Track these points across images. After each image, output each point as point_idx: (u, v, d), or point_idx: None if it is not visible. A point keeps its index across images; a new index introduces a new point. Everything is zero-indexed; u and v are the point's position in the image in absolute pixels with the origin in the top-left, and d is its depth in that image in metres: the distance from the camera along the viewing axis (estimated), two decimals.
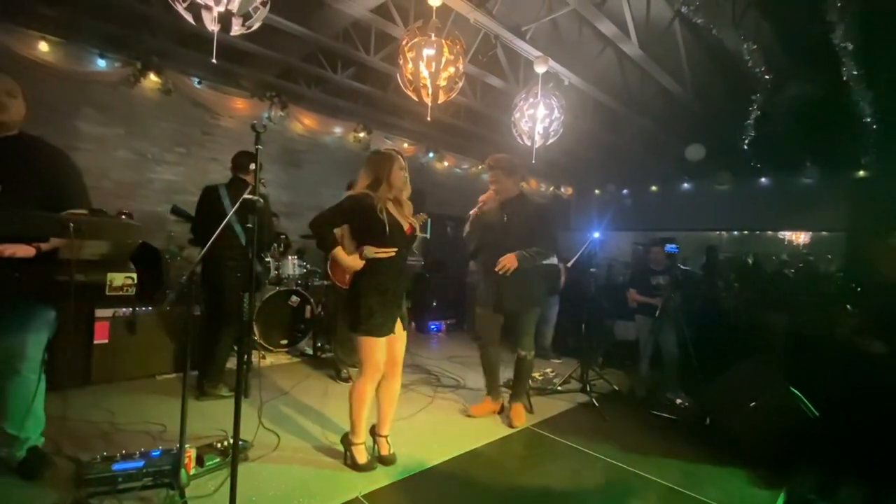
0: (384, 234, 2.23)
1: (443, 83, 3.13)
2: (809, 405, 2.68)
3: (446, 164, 8.10)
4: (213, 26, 2.33)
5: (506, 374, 3.35)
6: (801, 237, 8.76)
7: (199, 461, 2.13)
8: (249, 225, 1.75)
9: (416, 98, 3.20)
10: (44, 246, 1.84)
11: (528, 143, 4.09)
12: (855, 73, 4.69)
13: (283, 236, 4.75)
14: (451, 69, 3.12)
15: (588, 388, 3.67)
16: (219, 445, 2.26)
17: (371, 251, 2.23)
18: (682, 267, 4.44)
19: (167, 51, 4.67)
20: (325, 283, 4.37)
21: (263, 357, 4.10)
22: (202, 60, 4.64)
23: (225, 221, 1.95)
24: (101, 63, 4.54)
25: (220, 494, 1.98)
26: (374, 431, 2.46)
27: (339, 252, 2.25)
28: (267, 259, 4.21)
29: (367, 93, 5.76)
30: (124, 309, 3.33)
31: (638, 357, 4.14)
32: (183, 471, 1.89)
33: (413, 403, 3.30)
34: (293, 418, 2.93)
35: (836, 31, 4.08)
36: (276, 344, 4.35)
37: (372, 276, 2.26)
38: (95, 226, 1.77)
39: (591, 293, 4.44)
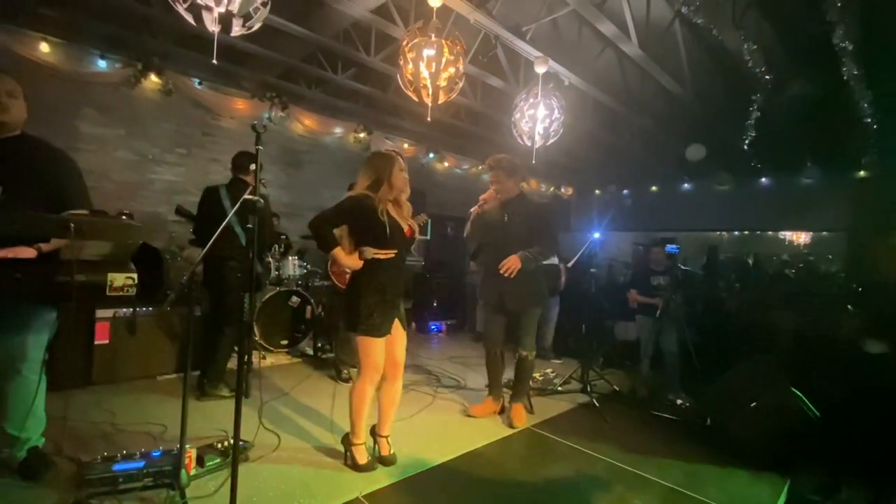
0: (385, 236, 2.23)
1: (443, 84, 3.13)
2: (810, 405, 2.67)
3: (447, 164, 8.11)
4: (213, 27, 2.33)
5: (506, 374, 3.34)
6: (801, 237, 8.75)
7: (200, 461, 2.13)
8: (250, 225, 1.75)
9: (416, 98, 3.21)
10: (44, 247, 1.84)
11: (529, 144, 4.10)
12: (855, 72, 4.69)
13: (283, 237, 4.75)
14: (452, 70, 3.12)
15: (588, 389, 3.67)
16: (219, 446, 2.26)
17: (370, 252, 2.23)
18: (682, 267, 4.44)
19: (168, 52, 4.68)
20: (326, 283, 4.37)
21: (264, 357, 4.10)
22: (203, 61, 4.65)
23: (225, 222, 1.95)
24: (102, 64, 4.55)
25: (220, 495, 1.98)
26: (374, 432, 2.46)
27: (338, 252, 2.24)
28: (267, 259, 4.21)
29: (367, 93, 5.76)
30: (125, 309, 3.34)
31: (638, 357, 4.14)
32: (183, 471, 1.89)
33: (413, 404, 3.30)
34: (293, 419, 2.93)
35: (837, 32, 4.08)
36: (276, 344, 4.35)
37: (371, 276, 2.25)
38: (96, 226, 1.77)
39: (591, 294, 4.43)
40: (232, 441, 1.77)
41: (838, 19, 3.94)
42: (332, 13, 4.02)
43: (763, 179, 8.51)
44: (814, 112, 5.92)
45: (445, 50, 3.04)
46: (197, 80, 5.13)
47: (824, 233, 8.36)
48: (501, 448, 2.78)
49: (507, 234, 2.99)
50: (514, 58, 4.90)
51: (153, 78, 4.80)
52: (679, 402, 3.66)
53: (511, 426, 3.03)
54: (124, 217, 3.95)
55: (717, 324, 4.65)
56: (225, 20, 2.36)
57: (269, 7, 2.52)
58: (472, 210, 3.13)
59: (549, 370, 4.37)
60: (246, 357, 2.79)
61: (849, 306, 4.66)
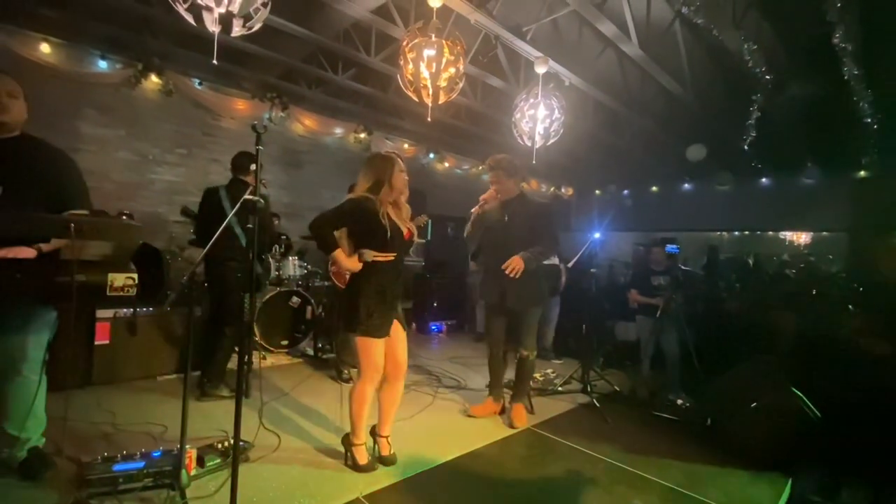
0: (385, 239, 2.23)
1: (443, 84, 3.13)
2: (811, 406, 2.67)
3: (447, 164, 8.11)
4: (213, 27, 2.33)
5: (506, 374, 3.34)
6: (802, 237, 8.74)
7: (200, 462, 2.13)
8: (250, 225, 1.75)
9: (416, 99, 3.21)
10: (45, 247, 1.84)
11: (529, 144, 4.10)
12: (855, 72, 4.69)
13: (283, 237, 4.75)
14: (452, 70, 3.12)
15: (589, 389, 3.67)
16: (219, 446, 2.26)
17: (370, 255, 2.24)
18: (682, 267, 4.44)
19: (168, 52, 4.68)
20: (326, 283, 4.37)
21: (264, 358, 4.10)
22: (203, 61, 4.65)
23: (225, 223, 1.95)
24: (103, 64, 4.56)
25: (220, 495, 1.98)
26: (373, 432, 2.46)
27: (339, 254, 2.24)
28: (267, 261, 4.21)
29: (367, 94, 5.76)
30: (125, 310, 3.34)
31: (639, 358, 4.13)
32: (184, 471, 1.89)
33: (414, 404, 3.30)
34: (294, 419, 2.93)
35: (837, 32, 4.08)
36: (276, 345, 4.35)
37: (371, 277, 2.26)
38: (96, 226, 1.77)
39: (591, 294, 4.43)
40: (232, 441, 1.77)
41: (838, 19, 3.94)
42: (332, 13, 4.02)
43: (763, 179, 8.51)
44: (814, 112, 5.92)
45: (446, 50, 3.04)
46: (197, 81, 5.14)
47: (825, 233, 8.35)
48: (502, 448, 2.77)
49: (508, 235, 2.98)
50: (515, 58, 4.90)
51: (153, 78, 4.80)
52: (679, 402, 3.66)
53: (511, 426, 3.03)
54: (124, 217, 3.96)
55: (718, 324, 4.64)
56: (225, 20, 2.36)
57: (269, 7, 2.52)
58: (472, 210, 3.13)
59: (549, 370, 4.37)
60: (246, 357, 2.79)
61: (849, 306, 4.65)
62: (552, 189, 10.32)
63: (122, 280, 3.25)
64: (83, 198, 2.00)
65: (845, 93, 5.15)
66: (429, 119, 3.47)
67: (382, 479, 2.26)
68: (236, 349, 3.27)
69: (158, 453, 2.06)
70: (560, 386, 3.89)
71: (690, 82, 5.20)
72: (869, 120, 5.77)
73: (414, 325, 6.06)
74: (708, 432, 2.97)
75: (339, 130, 6.45)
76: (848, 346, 3.68)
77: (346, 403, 2.37)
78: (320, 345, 4.40)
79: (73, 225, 1.57)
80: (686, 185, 9.38)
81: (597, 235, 4.51)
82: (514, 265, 2.81)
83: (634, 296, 4.23)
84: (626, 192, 10.24)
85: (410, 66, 3.10)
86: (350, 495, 2.09)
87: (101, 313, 3.25)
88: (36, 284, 1.84)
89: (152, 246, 3.96)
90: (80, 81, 4.45)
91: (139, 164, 4.91)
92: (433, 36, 3.04)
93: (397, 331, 2.38)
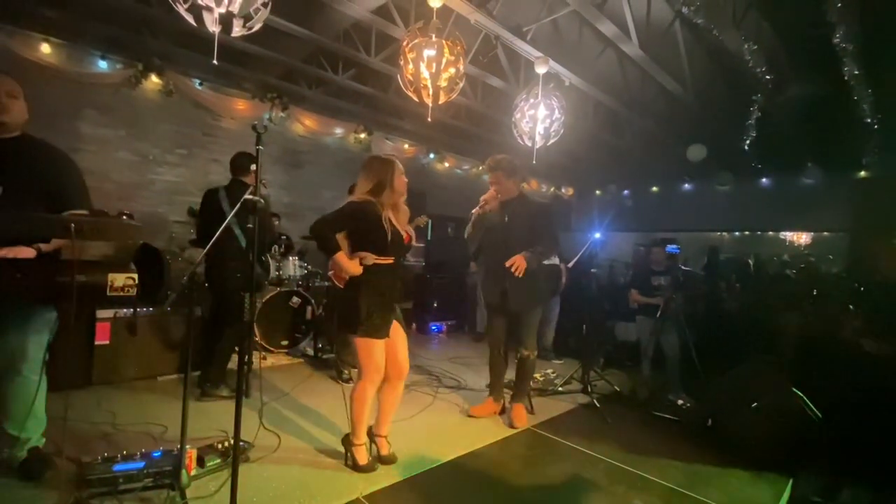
0: (385, 243, 2.24)
1: (443, 84, 3.13)
2: (812, 406, 2.67)
3: (447, 164, 8.11)
4: (214, 27, 2.33)
5: (507, 374, 3.34)
6: (802, 238, 8.74)
7: (200, 462, 2.13)
8: (250, 225, 1.75)
9: (416, 99, 3.21)
10: (44, 247, 1.84)
11: (529, 144, 4.10)
12: (856, 73, 4.69)
13: (284, 237, 4.75)
14: (452, 70, 3.12)
15: (589, 389, 3.66)
16: (219, 446, 2.26)
17: (371, 258, 2.24)
18: (683, 267, 4.43)
19: (168, 52, 4.68)
20: (326, 283, 4.37)
21: (264, 358, 4.10)
22: (203, 62, 4.65)
23: (224, 224, 1.95)
24: (103, 65, 4.56)
25: (220, 495, 1.98)
26: (370, 433, 2.46)
27: (341, 257, 2.24)
28: (267, 262, 4.20)
29: (367, 94, 5.76)
30: (125, 310, 3.34)
31: (639, 358, 4.13)
32: (184, 471, 1.89)
33: (414, 404, 3.30)
34: (294, 419, 2.93)
35: (837, 32, 4.08)
36: (276, 345, 4.35)
37: (370, 278, 2.26)
38: (96, 226, 1.77)
39: (592, 294, 4.43)
40: (232, 441, 1.77)
41: (838, 19, 3.94)
42: (332, 14, 4.02)
43: (764, 180, 8.51)
44: (814, 112, 5.92)
45: (446, 50, 3.05)
46: (197, 81, 5.14)
47: (825, 233, 8.35)
48: (502, 448, 2.77)
49: (508, 235, 2.98)
50: (515, 58, 4.90)
51: (154, 78, 4.80)
52: (680, 402, 3.66)
53: (511, 426, 3.03)
54: (125, 217, 3.95)
55: (718, 324, 4.64)
56: (225, 21, 2.36)
57: (269, 7, 2.53)
58: (473, 211, 3.13)
59: (549, 370, 4.36)
60: (246, 357, 2.79)
61: (850, 306, 4.65)
62: (552, 189, 10.32)
63: (122, 280, 3.22)
64: (83, 198, 1.99)
65: (845, 93, 5.15)
66: (429, 119, 3.47)
67: (382, 479, 2.26)
68: (236, 349, 3.27)
69: (158, 453, 2.06)
70: (560, 386, 3.89)
71: (690, 82, 5.20)
72: (869, 120, 5.77)
73: (414, 325, 6.06)
74: (708, 432, 2.96)
75: (339, 130, 6.45)
76: (848, 346, 3.68)
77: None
78: (320, 345, 4.40)
79: (73, 225, 1.56)
80: (686, 186, 9.37)
81: (597, 235, 4.51)
82: (518, 263, 2.80)
83: (635, 296, 4.23)
84: (626, 192, 10.23)
85: (410, 66, 3.10)
86: (350, 495, 2.09)
87: (101, 313, 3.25)
88: (36, 284, 1.83)
89: (153, 246, 3.95)
90: (80, 82, 4.45)
91: (139, 164, 4.91)
92: (433, 36, 3.04)
93: (397, 332, 2.39)
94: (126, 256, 3.40)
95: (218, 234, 1.88)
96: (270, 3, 2.53)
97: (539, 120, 3.99)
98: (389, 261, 2.28)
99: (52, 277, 1.89)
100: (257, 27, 2.54)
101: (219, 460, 2.18)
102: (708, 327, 4.41)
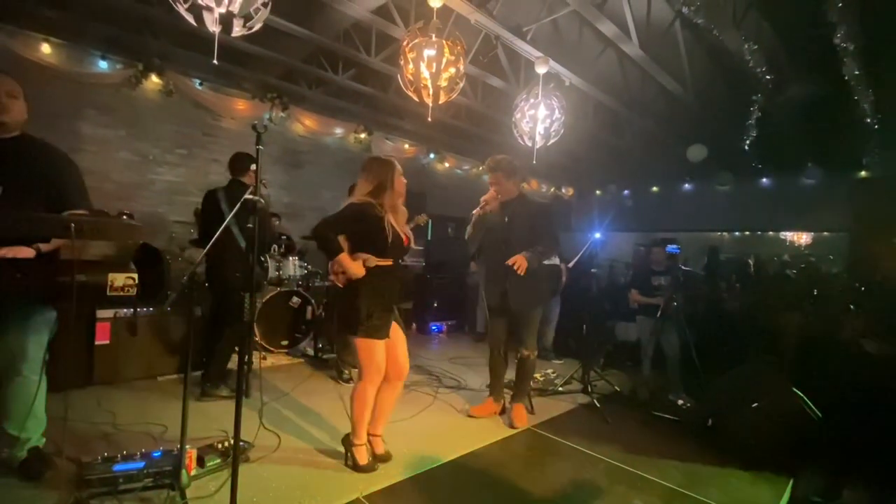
0: (386, 245, 2.24)
1: (444, 84, 3.13)
2: (812, 406, 2.67)
3: (447, 165, 8.11)
4: (214, 27, 2.33)
5: (507, 374, 3.34)
6: (802, 238, 8.73)
7: (200, 462, 2.13)
8: (250, 225, 1.75)
9: (416, 99, 3.21)
10: (44, 247, 1.84)
11: (529, 144, 4.10)
12: (856, 73, 4.69)
13: (284, 237, 4.75)
14: (452, 70, 3.12)
15: (589, 389, 3.66)
16: (220, 446, 2.26)
17: (373, 261, 2.25)
18: (683, 268, 4.43)
19: (169, 52, 4.69)
20: (326, 283, 4.37)
21: (264, 358, 4.10)
22: (203, 62, 4.65)
23: (224, 223, 1.95)
24: (103, 65, 4.56)
25: (220, 495, 1.98)
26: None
27: (344, 258, 2.24)
28: (266, 262, 4.20)
29: (367, 94, 5.77)
30: (125, 310, 3.34)
31: (639, 358, 4.13)
32: (184, 471, 1.89)
33: (414, 404, 3.30)
34: (294, 419, 2.93)
35: (838, 32, 4.08)
36: (276, 345, 4.35)
37: (370, 279, 2.26)
38: (96, 226, 1.76)
39: (592, 294, 4.43)
40: (232, 441, 1.77)
41: (839, 19, 3.94)
42: (332, 14, 4.02)
43: (764, 180, 8.51)
44: (814, 112, 5.92)
45: (446, 50, 3.05)
46: (198, 81, 5.14)
47: (825, 233, 8.34)
48: (502, 448, 2.77)
49: (508, 235, 2.98)
50: (515, 58, 4.91)
51: (154, 79, 4.80)
52: (680, 402, 3.66)
53: (512, 426, 3.03)
54: (125, 217, 3.95)
55: (718, 324, 4.64)
56: (225, 20, 2.36)
57: (269, 7, 2.53)
58: (474, 212, 3.13)
59: (549, 370, 4.36)
60: (246, 357, 2.79)
61: (850, 306, 4.64)
62: (552, 189, 10.32)
63: (122, 280, 3.22)
64: (83, 198, 1.99)
65: (845, 93, 5.15)
66: (429, 119, 3.47)
67: (382, 479, 2.25)
68: (236, 349, 3.27)
69: (158, 453, 2.06)
70: (560, 386, 3.88)
71: (690, 82, 5.20)
72: (869, 120, 5.77)
73: (414, 325, 6.06)
74: (708, 432, 2.96)
75: (339, 130, 6.45)
76: (849, 347, 3.67)
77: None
78: (320, 345, 4.40)
79: (73, 225, 1.56)
80: (686, 186, 9.37)
81: (597, 236, 4.51)
82: (519, 262, 2.80)
83: (635, 296, 4.22)
84: (626, 192, 10.23)
85: (411, 66, 3.10)
86: (350, 495, 2.09)
87: (101, 313, 3.25)
88: (36, 284, 1.84)
89: (153, 246, 3.96)
90: (80, 82, 4.45)
91: (139, 164, 4.91)
92: (433, 36, 3.04)
93: (396, 333, 2.39)
94: (126, 256, 3.42)
95: (217, 234, 1.88)
96: (270, 3, 2.53)
97: (539, 120, 3.99)
98: (389, 262, 2.29)
99: (52, 277, 1.89)
100: (257, 27, 2.54)
101: (219, 460, 2.18)
102: (708, 327, 4.41)
